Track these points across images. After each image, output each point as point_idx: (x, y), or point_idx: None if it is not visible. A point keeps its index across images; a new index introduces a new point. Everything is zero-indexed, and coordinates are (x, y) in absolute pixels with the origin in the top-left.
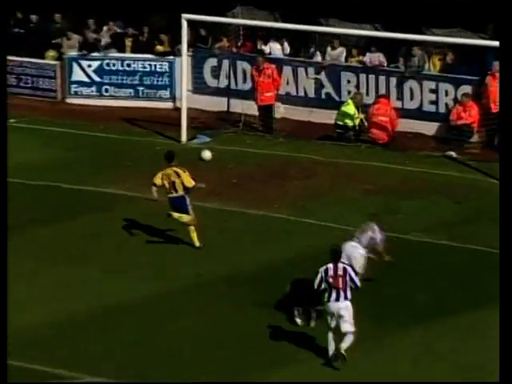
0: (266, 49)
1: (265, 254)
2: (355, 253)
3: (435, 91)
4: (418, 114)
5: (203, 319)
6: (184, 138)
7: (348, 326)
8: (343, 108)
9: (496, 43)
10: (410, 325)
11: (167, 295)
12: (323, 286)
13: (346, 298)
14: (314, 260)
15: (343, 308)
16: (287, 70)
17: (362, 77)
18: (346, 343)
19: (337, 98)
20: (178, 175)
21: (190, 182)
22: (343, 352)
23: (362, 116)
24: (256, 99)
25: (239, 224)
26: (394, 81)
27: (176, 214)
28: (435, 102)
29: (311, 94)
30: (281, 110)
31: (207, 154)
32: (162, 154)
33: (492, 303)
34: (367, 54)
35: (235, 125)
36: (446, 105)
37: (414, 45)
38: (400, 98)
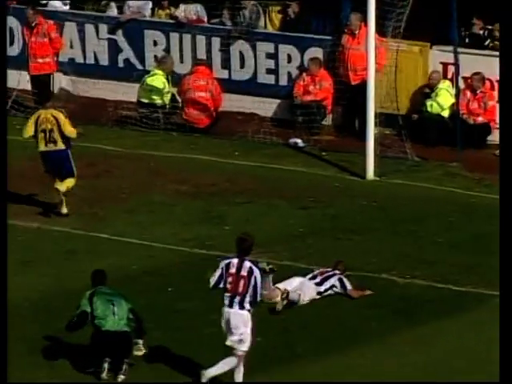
0: None
1: (34, 284)
2: (311, 285)
3: (274, 56)
4: (251, 88)
5: None
6: None
7: (235, 340)
8: (148, 80)
9: None
10: None
11: None
12: (222, 286)
13: (242, 306)
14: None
15: (235, 318)
16: (70, 28)
17: (174, 37)
18: (217, 368)
19: (139, 67)
20: (58, 122)
21: (72, 131)
22: (205, 380)
23: (174, 91)
24: (28, 67)
25: None
26: (217, 42)
27: (59, 184)
28: (274, 71)
29: (104, 60)
30: (62, 82)
31: None
32: None
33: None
34: (181, 5)
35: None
36: (289, 75)
37: None
38: (226, 66)
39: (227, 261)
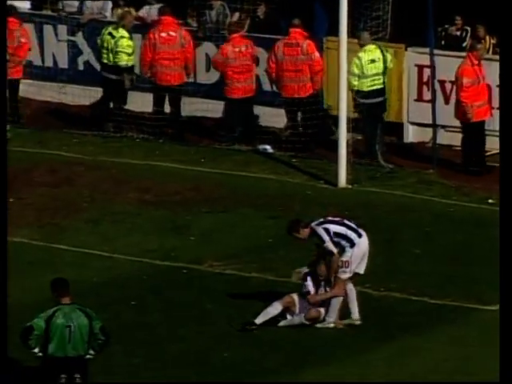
0: None
1: None
2: None
3: None
4: (218, 92)
5: None
6: None
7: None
8: (111, 39)
9: None
10: None
11: None
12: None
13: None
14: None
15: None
16: (28, 29)
17: (137, 38)
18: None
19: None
20: None
21: None
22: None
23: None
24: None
25: None
26: None
27: None
28: None
29: (63, 63)
30: (20, 86)
31: None
32: None
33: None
34: (144, 7)
35: None
36: (257, 77)
37: None
38: None
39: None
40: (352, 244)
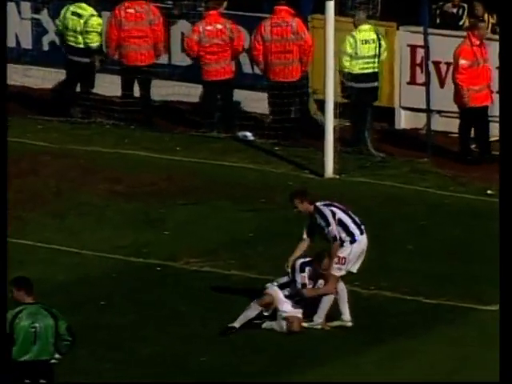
0: None
1: None
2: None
3: None
4: (195, 74)
5: None
6: None
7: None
8: (76, 19)
9: None
10: None
11: None
12: None
13: None
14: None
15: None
16: None
17: (105, 15)
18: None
19: None
20: None
21: None
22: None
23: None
24: None
25: None
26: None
27: None
28: None
29: (27, 43)
30: None
31: None
32: None
33: None
34: None
35: None
36: None
37: None
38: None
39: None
40: (353, 239)
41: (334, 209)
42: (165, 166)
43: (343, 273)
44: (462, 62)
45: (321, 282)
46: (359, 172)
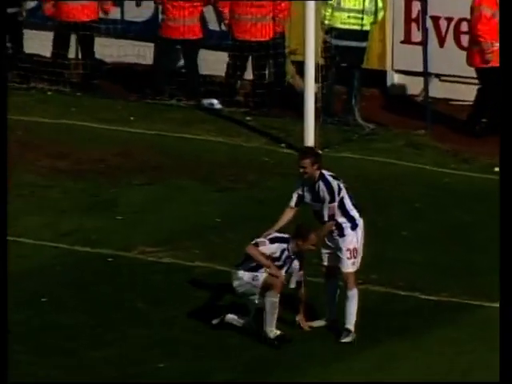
0: None
1: None
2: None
3: None
4: (152, 32)
5: None
6: None
7: None
8: None
9: None
10: None
11: None
12: None
13: None
14: None
15: None
16: None
17: None
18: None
19: None
20: None
21: None
22: None
23: None
24: None
25: None
26: None
27: None
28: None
29: None
30: None
31: None
32: None
33: None
34: None
35: None
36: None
37: None
38: (117, 3)
39: None
40: (354, 225)
41: (341, 185)
42: (117, 140)
43: (356, 267)
44: (485, 11)
45: (296, 263)
46: (345, 146)
